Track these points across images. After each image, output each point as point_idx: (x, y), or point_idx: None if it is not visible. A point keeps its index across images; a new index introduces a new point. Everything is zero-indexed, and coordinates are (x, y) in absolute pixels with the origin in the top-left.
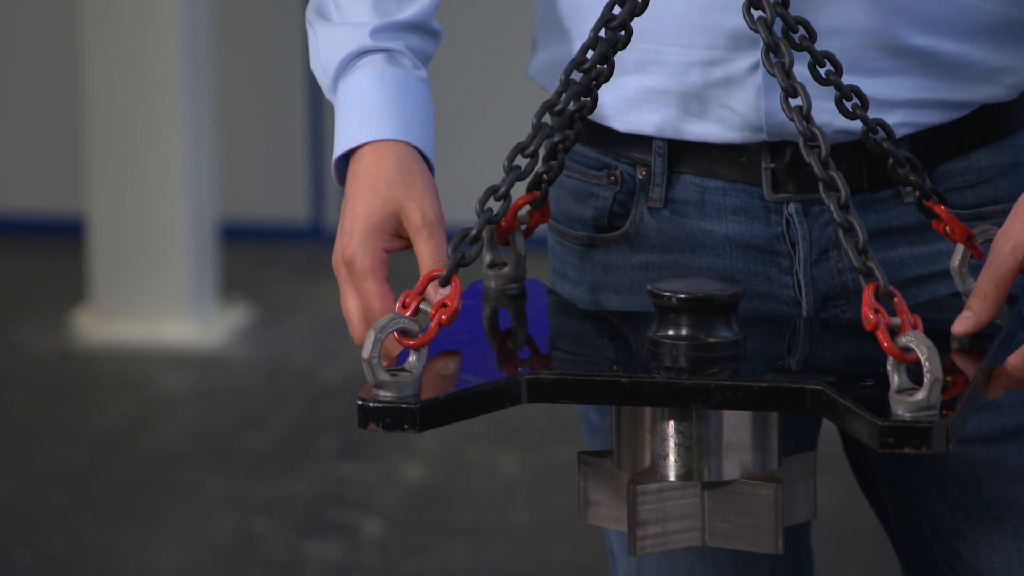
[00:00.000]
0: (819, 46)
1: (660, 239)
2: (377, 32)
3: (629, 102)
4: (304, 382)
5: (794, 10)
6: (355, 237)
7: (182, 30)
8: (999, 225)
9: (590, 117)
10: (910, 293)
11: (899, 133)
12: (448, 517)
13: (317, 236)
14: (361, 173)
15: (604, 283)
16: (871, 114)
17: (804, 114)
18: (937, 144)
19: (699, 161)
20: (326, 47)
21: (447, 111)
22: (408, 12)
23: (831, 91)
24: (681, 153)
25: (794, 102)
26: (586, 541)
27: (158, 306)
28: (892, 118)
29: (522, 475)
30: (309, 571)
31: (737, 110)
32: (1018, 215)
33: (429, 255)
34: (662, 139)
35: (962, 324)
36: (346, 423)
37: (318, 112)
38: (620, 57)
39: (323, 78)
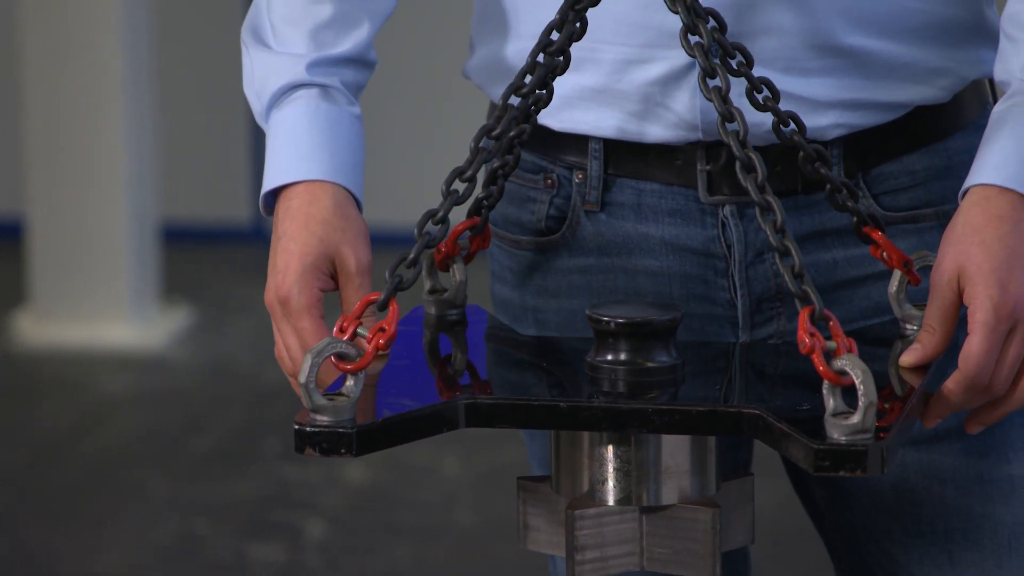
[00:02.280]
0: (754, 45)
1: (597, 242)
2: (313, 66)
3: (564, 100)
4: (247, 384)
5: (729, 10)
6: (290, 275)
7: (122, 30)
8: (936, 249)
9: None
10: (844, 295)
11: (833, 134)
12: (392, 518)
13: (259, 237)
14: (295, 211)
15: (542, 287)
16: (806, 116)
17: (740, 139)
18: (871, 146)
19: (635, 164)
20: (261, 74)
21: (392, 116)
22: (345, 46)
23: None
24: (617, 155)
25: (731, 127)
26: None
27: (99, 308)
28: (826, 119)
29: (465, 477)
30: (252, 572)
31: (673, 108)
32: (947, 250)
33: (354, 303)
34: (598, 139)
35: (911, 356)
36: (289, 425)
37: None
38: None
39: (256, 104)
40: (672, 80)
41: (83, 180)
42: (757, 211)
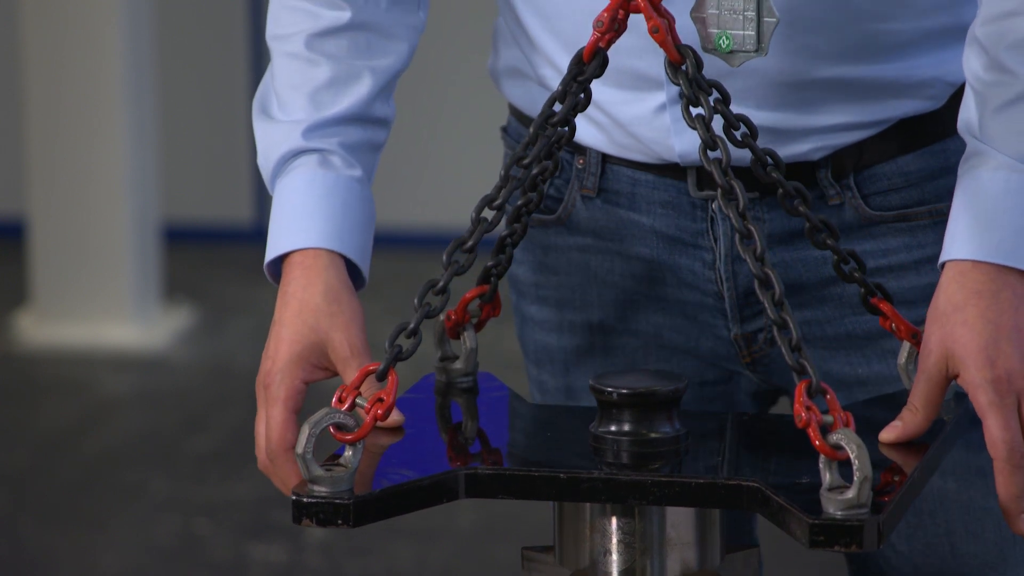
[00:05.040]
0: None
1: (591, 226)
2: (310, 131)
3: None
4: (248, 383)
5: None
6: (277, 363)
7: (124, 29)
8: (930, 248)
9: (528, 113)
10: (834, 292)
11: (818, 156)
12: (393, 519)
13: (261, 238)
14: (290, 297)
15: (544, 263)
16: (786, 145)
17: (740, 212)
18: (863, 150)
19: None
20: (263, 145)
21: (420, 111)
22: (342, 105)
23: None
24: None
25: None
26: (529, 543)
27: (101, 308)
28: (807, 145)
29: None
30: (253, 573)
31: (651, 147)
32: (932, 330)
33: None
34: None
35: (889, 433)
36: None
37: None
38: (554, 72)
39: (264, 176)
40: (646, 121)
41: (84, 180)
42: (756, 284)
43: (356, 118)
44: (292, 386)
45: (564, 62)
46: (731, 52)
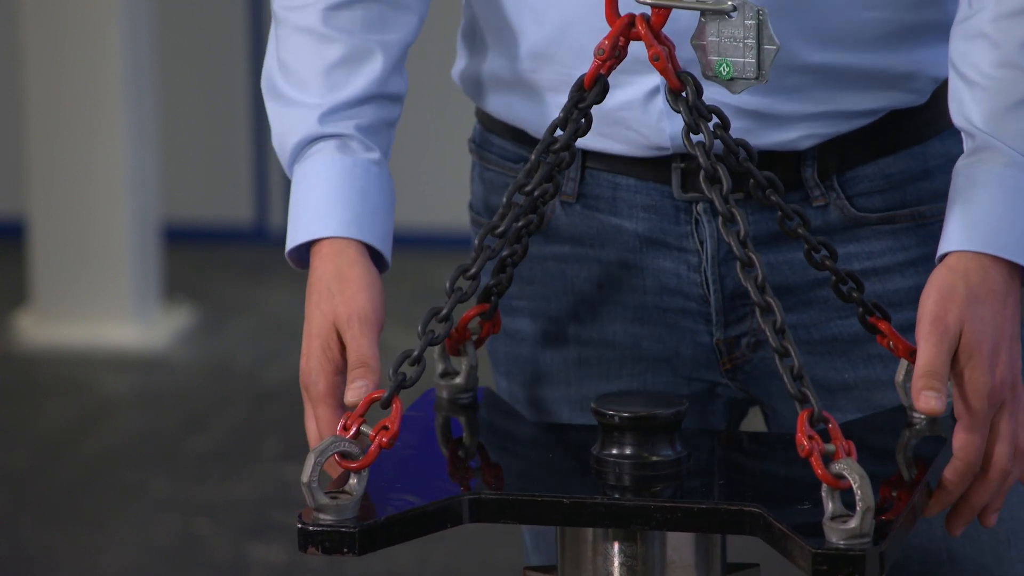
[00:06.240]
0: None
1: (571, 232)
2: (326, 116)
3: (547, 117)
4: (248, 384)
5: (686, 34)
6: (310, 361)
7: (124, 29)
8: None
9: (507, 121)
10: (821, 295)
11: (805, 144)
12: None
13: (261, 237)
14: (312, 291)
15: (518, 273)
16: (775, 131)
17: (741, 239)
18: (847, 150)
19: (611, 161)
20: (279, 128)
21: (422, 111)
22: (357, 85)
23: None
24: (594, 153)
25: (732, 227)
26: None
27: (101, 308)
28: (796, 132)
29: None
30: (253, 573)
31: (640, 132)
32: (950, 307)
33: (351, 352)
34: None
35: (934, 403)
36: (290, 425)
37: (262, 113)
38: (538, 77)
39: (281, 159)
40: (637, 106)
41: (84, 180)
42: (757, 311)
43: (371, 97)
44: (327, 380)
45: (550, 51)
46: (731, 79)
